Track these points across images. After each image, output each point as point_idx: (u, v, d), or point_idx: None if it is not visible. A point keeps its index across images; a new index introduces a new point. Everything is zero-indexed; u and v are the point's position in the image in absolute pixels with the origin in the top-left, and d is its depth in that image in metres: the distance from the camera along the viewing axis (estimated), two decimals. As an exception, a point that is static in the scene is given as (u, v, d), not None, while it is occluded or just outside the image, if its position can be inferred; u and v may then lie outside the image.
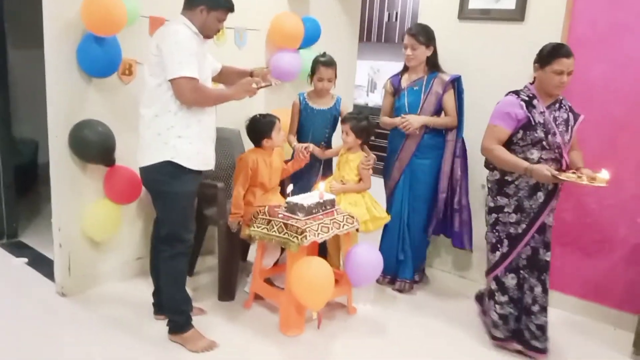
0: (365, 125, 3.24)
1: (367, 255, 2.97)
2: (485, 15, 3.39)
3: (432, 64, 3.28)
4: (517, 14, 3.27)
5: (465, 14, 3.46)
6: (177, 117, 2.48)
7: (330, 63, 3.34)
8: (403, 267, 3.41)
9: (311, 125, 3.42)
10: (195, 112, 2.52)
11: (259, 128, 3.08)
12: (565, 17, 3.14)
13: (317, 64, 3.35)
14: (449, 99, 3.25)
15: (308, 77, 3.45)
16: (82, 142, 2.92)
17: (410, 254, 3.39)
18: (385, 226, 3.37)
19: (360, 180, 3.26)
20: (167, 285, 2.69)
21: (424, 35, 3.21)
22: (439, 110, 3.28)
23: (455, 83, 3.23)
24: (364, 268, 2.96)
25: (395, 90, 3.38)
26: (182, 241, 2.63)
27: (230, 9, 2.58)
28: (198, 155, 2.56)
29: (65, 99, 2.91)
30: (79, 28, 2.84)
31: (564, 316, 3.26)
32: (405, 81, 3.34)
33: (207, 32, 2.58)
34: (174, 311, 2.69)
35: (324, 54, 3.41)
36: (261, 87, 2.72)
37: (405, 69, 3.38)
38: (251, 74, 2.83)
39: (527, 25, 3.27)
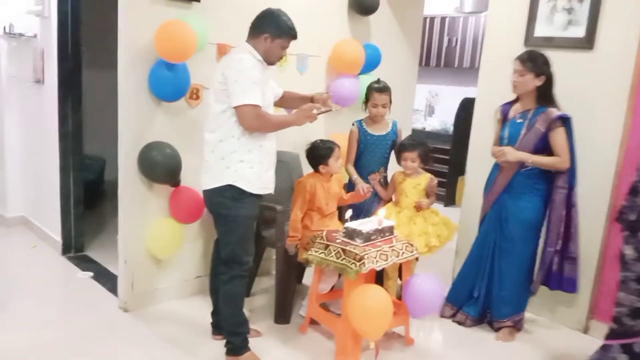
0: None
1: (427, 286, 2.92)
2: (550, 43, 3.30)
3: (542, 96, 2.96)
4: (586, 42, 3.18)
5: (531, 41, 3.38)
6: (239, 142, 2.55)
7: (384, 89, 3.35)
8: (472, 302, 3.27)
9: (371, 151, 3.44)
10: (257, 138, 2.59)
11: (317, 153, 3.11)
12: (638, 46, 3.03)
13: (370, 90, 3.37)
14: (558, 138, 2.91)
15: (362, 104, 3.47)
16: (150, 162, 3.03)
17: (483, 294, 3.21)
18: (468, 255, 3.28)
19: (428, 197, 3.37)
20: (225, 306, 2.72)
21: (533, 62, 2.91)
22: (540, 149, 2.96)
23: (565, 122, 2.92)
24: (423, 298, 2.90)
25: (504, 119, 3.16)
26: (241, 264, 2.67)
27: (294, 36, 2.65)
28: (259, 180, 2.62)
29: (136, 120, 3.03)
30: (151, 54, 2.96)
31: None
32: (513, 111, 3.10)
33: (271, 59, 2.64)
34: (231, 333, 2.72)
35: (378, 81, 3.43)
36: (322, 113, 2.76)
37: (518, 97, 3.10)
38: (312, 100, 2.88)
39: (596, 53, 3.17)
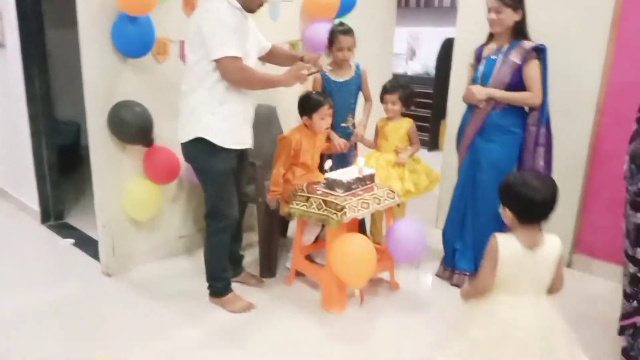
0: (411, 93, 3.28)
1: (409, 230, 2.90)
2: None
3: (518, 31, 2.81)
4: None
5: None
6: (210, 93, 2.49)
7: (348, 31, 3.21)
8: (460, 257, 3.12)
9: (336, 99, 3.26)
10: (230, 90, 2.51)
11: (304, 103, 3.00)
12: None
13: (334, 33, 3.22)
14: (531, 71, 2.76)
15: (326, 48, 3.32)
16: (120, 123, 2.93)
17: (470, 244, 3.07)
18: (449, 208, 3.18)
19: (411, 144, 3.32)
20: (210, 254, 2.78)
21: None
22: (516, 85, 2.81)
23: (540, 54, 2.77)
24: (406, 243, 2.89)
25: (477, 61, 3.01)
26: (225, 215, 2.68)
27: None
28: (231, 134, 2.56)
29: (102, 80, 2.91)
30: (113, 8, 2.81)
31: (616, 287, 3.12)
32: (487, 50, 2.95)
33: (250, 5, 2.55)
34: (215, 278, 2.81)
35: (341, 23, 3.29)
36: (312, 74, 2.69)
37: (491, 37, 2.95)
38: (302, 59, 2.77)
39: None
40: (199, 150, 2.55)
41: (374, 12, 4.39)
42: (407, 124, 3.29)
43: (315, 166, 3.14)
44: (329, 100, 2.99)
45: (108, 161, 3.02)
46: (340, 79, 3.28)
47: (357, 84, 3.33)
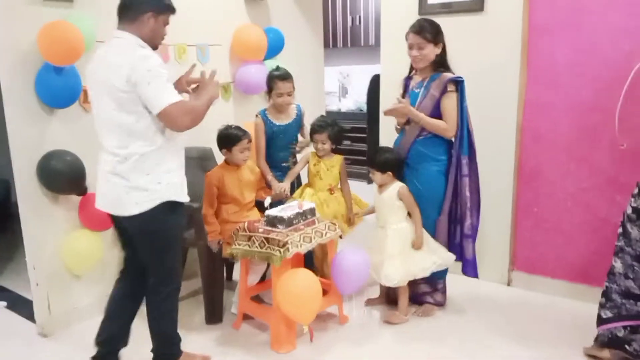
0: (340, 130, 3.27)
1: (351, 261, 2.90)
2: (446, 9, 3.39)
3: (439, 64, 2.88)
4: (477, 5, 3.28)
5: (425, 9, 3.46)
6: (161, 152, 2.27)
7: (286, 76, 3.22)
8: None
9: (279, 142, 3.32)
10: (172, 140, 2.32)
11: (223, 137, 3.01)
12: (524, 4, 3.16)
13: (272, 79, 3.23)
14: (446, 103, 2.82)
15: (265, 94, 3.34)
16: (51, 172, 2.84)
17: None
18: None
19: (342, 182, 3.34)
20: (164, 323, 2.51)
21: (431, 30, 2.82)
22: (437, 117, 2.86)
23: (458, 86, 2.84)
24: (349, 274, 2.89)
25: (404, 92, 3.07)
26: (178, 273, 2.53)
27: (174, 11, 2.40)
28: (184, 185, 2.41)
29: (28, 132, 2.82)
30: (36, 58, 2.76)
31: (554, 301, 3.25)
32: (412, 82, 3.02)
33: (156, 41, 2.35)
34: (171, 344, 2.57)
35: (277, 68, 3.31)
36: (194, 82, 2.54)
37: (416, 69, 3.01)
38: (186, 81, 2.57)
39: (487, 14, 3.29)
40: (163, 216, 2.29)
41: (303, 53, 4.53)
42: (338, 161, 3.28)
43: (248, 201, 3.11)
44: (248, 134, 3.02)
45: (39, 214, 2.90)
46: (283, 123, 3.32)
47: (299, 124, 3.39)
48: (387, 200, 2.99)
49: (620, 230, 2.49)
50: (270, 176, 3.27)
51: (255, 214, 3.12)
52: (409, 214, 2.98)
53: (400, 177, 3.00)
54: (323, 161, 3.27)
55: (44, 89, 2.80)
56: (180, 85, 2.52)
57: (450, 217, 2.99)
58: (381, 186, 3.03)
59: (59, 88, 2.82)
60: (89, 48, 2.91)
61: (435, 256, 2.95)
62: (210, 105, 2.36)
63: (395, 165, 2.97)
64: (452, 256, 2.99)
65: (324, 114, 5.01)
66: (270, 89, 3.27)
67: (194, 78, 2.54)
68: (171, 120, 2.20)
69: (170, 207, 2.31)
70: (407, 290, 3.03)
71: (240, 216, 3.04)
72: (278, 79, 3.22)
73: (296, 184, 3.44)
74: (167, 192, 2.29)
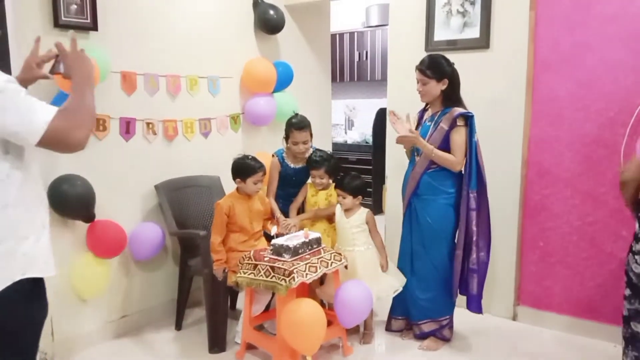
0: (336, 162, 3.31)
1: (355, 294, 2.87)
2: (452, 46, 3.47)
3: (448, 98, 2.93)
4: (482, 42, 3.35)
5: (431, 45, 3.53)
6: (18, 209, 1.59)
7: (302, 125, 3.25)
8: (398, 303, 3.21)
9: (292, 183, 3.37)
10: (30, 187, 1.67)
11: (238, 167, 3.05)
12: (529, 41, 3.23)
13: (289, 127, 3.28)
14: (456, 137, 2.86)
15: (283, 140, 3.38)
16: (62, 196, 2.86)
17: (412, 292, 3.08)
18: (398, 263, 3.20)
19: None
20: None
21: (433, 68, 2.89)
22: (447, 151, 2.91)
23: (468, 121, 2.89)
24: (353, 307, 2.87)
25: (418, 125, 3.10)
26: None
27: None
28: (50, 250, 1.72)
29: (40, 157, 2.84)
30: (50, 87, 2.82)
31: (560, 336, 3.22)
32: (426, 115, 3.08)
33: None
34: None
35: (295, 115, 3.35)
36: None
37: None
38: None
39: (493, 52, 3.36)
40: (14, 302, 1.58)
41: (311, 86, 4.61)
42: (334, 192, 3.27)
43: (256, 231, 3.14)
44: (263, 167, 3.07)
45: (46, 241, 2.92)
46: (298, 165, 3.37)
47: None
48: (356, 223, 3.10)
49: (628, 292, 2.22)
50: (279, 213, 3.29)
51: (263, 243, 3.14)
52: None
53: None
54: (321, 192, 3.30)
55: (57, 117, 2.85)
56: (29, 72, 1.93)
57: None
58: (347, 210, 3.13)
59: (73, 116, 2.87)
60: (103, 78, 3.00)
61: (395, 280, 3.10)
62: (91, 93, 1.68)
63: (364, 190, 3.17)
64: (404, 279, 3.10)
65: (331, 145, 5.08)
66: (287, 136, 3.32)
67: (46, 54, 1.95)
68: (60, 142, 1.57)
69: (29, 288, 1.62)
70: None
71: (247, 245, 3.05)
72: (294, 127, 3.25)
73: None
74: (23, 265, 1.60)
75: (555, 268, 3.29)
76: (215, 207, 3.04)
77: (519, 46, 3.26)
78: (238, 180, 3.05)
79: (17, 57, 2.74)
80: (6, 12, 2.69)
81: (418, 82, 2.96)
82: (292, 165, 3.37)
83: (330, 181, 3.29)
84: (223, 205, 3.01)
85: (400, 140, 2.99)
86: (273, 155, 3.41)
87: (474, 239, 2.94)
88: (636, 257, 2.16)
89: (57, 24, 2.83)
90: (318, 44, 4.71)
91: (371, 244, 3.16)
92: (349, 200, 3.09)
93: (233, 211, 3.01)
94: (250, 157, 3.10)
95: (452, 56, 3.08)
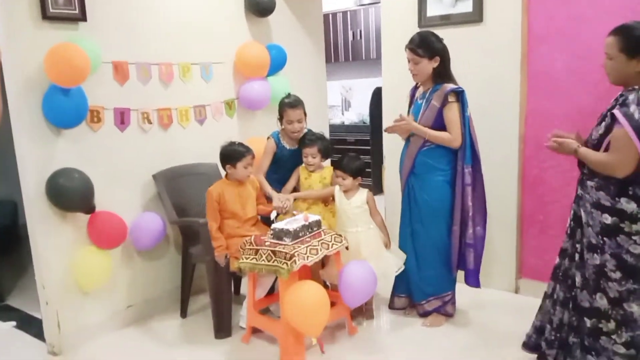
0: (329, 143, 3.32)
1: (358, 274, 2.90)
2: (445, 21, 3.43)
3: (438, 75, 2.91)
4: (476, 16, 3.32)
5: (424, 21, 3.50)
6: None
7: (296, 104, 3.26)
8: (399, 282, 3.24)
9: (288, 164, 3.38)
10: None
11: (227, 153, 3.07)
12: (522, 14, 3.20)
13: (282, 106, 3.29)
14: (449, 114, 2.85)
15: (278, 121, 3.38)
16: (60, 191, 2.87)
17: (412, 270, 3.11)
18: (399, 243, 3.21)
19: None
20: None
21: (425, 47, 2.86)
22: (440, 127, 2.90)
23: (459, 96, 2.88)
24: (357, 287, 2.89)
25: (410, 103, 3.12)
26: None
27: None
28: None
29: (36, 152, 2.86)
30: (43, 80, 2.81)
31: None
32: (418, 93, 3.07)
33: None
34: None
35: (288, 95, 3.35)
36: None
37: None
38: None
39: (486, 25, 3.32)
40: None
41: (305, 68, 4.57)
42: (329, 172, 3.30)
43: (249, 217, 3.14)
44: (251, 151, 3.08)
45: (47, 233, 2.93)
46: (294, 147, 3.37)
47: None
48: (357, 204, 3.12)
49: (619, 275, 2.23)
50: (270, 189, 3.29)
51: (261, 228, 3.15)
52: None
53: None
54: (314, 174, 3.30)
55: (51, 110, 2.84)
56: None
57: None
58: (347, 192, 3.14)
59: (66, 109, 2.86)
60: (94, 69, 2.97)
61: (398, 258, 3.13)
62: None
63: (364, 171, 3.20)
64: (404, 256, 3.13)
65: (327, 126, 5.06)
66: (280, 116, 3.32)
67: None
68: None
69: None
70: None
71: (245, 230, 3.06)
72: (287, 106, 3.26)
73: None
74: None
75: (555, 241, 3.28)
76: (207, 195, 3.05)
77: (513, 19, 3.23)
78: (228, 166, 3.06)
79: (6, 51, 2.72)
80: (-7, 6, 2.66)
81: (409, 62, 2.94)
82: (288, 147, 3.37)
83: (322, 163, 3.28)
84: (213, 192, 3.03)
85: (391, 129, 3.00)
86: (269, 138, 3.40)
87: (470, 214, 2.95)
88: (634, 237, 2.17)
89: (45, 16, 2.80)
90: (311, 25, 4.65)
91: (372, 223, 3.18)
92: (349, 181, 3.10)
93: (223, 198, 3.03)
94: (237, 142, 3.12)
95: (445, 31, 3.06)
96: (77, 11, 2.93)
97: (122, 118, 3.20)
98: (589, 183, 2.30)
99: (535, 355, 2.58)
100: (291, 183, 3.37)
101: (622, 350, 2.25)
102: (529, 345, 2.64)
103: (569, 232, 2.46)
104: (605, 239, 2.24)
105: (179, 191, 3.43)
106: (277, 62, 4.03)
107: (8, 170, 3.72)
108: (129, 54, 3.22)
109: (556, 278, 2.51)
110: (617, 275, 2.22)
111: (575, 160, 2.51)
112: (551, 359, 2.48)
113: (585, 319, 2.33)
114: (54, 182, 2.87)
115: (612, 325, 2.26)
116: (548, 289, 2.56)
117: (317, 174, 3.30)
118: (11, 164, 2.97)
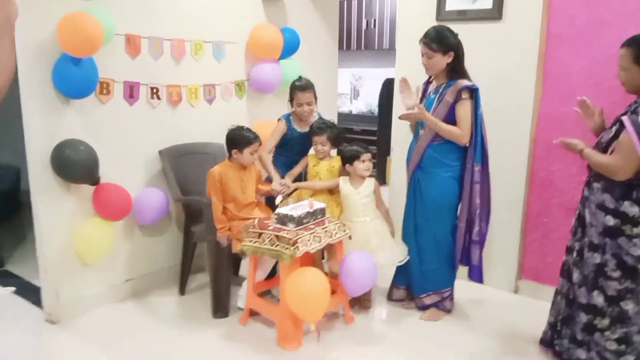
0: (339, 132, 3.31)
1: (361, 263, 2.90)
2: (463, 16, 3.39)
3: (453, 70, 2.88)
4: (495, 13, 3.28)
5: (442, 15, 3.46)
6: None
7: (306, 87, 3.26)
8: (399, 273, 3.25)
9: (297, 147, 3.38)
10: None
11: (235, 137, 3.05)
12: (542, 14, 3.15)
13: (293, 89, 3.29)
14: (461, 110, 2.83)
15: (288, 103, 3.38)
16: (65, 161, 2.86)
17: (414, 262, 3.11)
18: (402, 236, 3.20)
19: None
20: None
21: (439, 41, 2.82)
22: (451, 123, 2.87)
23: (473, 94, 2.86)
24: (359, 277, 2.89)
25: (422, 97, 3.07)
26: None
27: None
28: None
29: (43, 121, 2.84)
30: (54, 49, 2.78)
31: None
32: (430, 87, 3.03)
33: None
34: None
35: (299, 78, 3.34)
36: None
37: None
38: None
39: (505, 23, 3.28)
40: None
41: (317, 54, 4.54)
42: (338, 162, 3.29)
43: (249, 201, 3.13)
44: (259, 137, 3.08)
45: (50, 203, 2.92)
46: (304, 130, 3.36)
47: None
48: (366, 193, 3.13)
49: (619, 274, 2.30)
50: (273, 171, 3.29)
51: (263, 211, 3.15)
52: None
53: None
54: (323, 162, 3.28)
55: (61, 79, 2.82)
56: None
57: None
58: (354, 181, 3.16)
59: (76, 79, 2.84)
60: (107, 40, 2.94)
61: (401, 249, 3.14)
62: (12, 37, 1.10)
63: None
64: (405, 248, 3.14)
65: (336, 114, 5.03)
66: (291, 98, 3.31)
67: None
68: None
69: None
70: None
71: (245, 214, 3.06)
72: (298, 89, 3.26)
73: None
74: None
75: (558, 244, 3.28)
76: (208, 176, 3.04)
77: (532, 19, 3.18)
78: (235, 150, 3.04)
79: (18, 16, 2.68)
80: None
81: (423, 56, 2.91)
82: (298, 129, 3.36)
83: (332, 151, 3.27)
84: (215, 173, 3.02)
85: (404, 117, 2.98)
86: (280, 119, 3.39)
87: (478, 211, 2.94)
88: (634, 240, 2.24)
89: (61, -17, 2.76)
90: (325, 10, 4.61)
91: (378, 212, 3.18)
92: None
93: (225, 179, 3.02)
94: (245, 127, 3.11)
95: (462, 27, 3.02)
96: (93, -20, 2.89)
97: (131, 92, 3.18)
98: (596, 185, 2.38)
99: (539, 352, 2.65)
100: (297, 169, 3.36)
101: (613, 346, 2.36)
102: (546, 341, 2.71)
103: (573, 230, 2.56)
104: (607, 239, 2.32)
105: (183, 169, 3.42)
106: (290, 46, 3.99)
107: (13, 136, 3.71)
108: (142, 27, 3.18)
109: (563, 274, 2.60)
110: (617, 274, 2.32)
111: (583, 165, 2.52)
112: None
113: (581, 314, 2.42)
114: (59, 152, 2.86)
115: (606, 321, 2.36)
116: (558, 285, 2.64)
117: (326, 162, 3.29)
118: (17, 131, 2.95)
